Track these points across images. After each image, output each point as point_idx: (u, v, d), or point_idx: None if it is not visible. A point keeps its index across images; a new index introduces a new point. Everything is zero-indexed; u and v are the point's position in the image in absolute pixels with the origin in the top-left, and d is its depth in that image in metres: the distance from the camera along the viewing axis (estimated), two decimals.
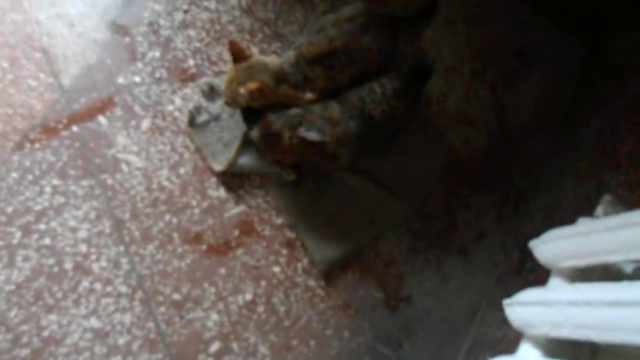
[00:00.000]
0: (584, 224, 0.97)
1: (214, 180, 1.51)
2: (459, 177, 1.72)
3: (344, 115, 1.42)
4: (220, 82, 1.57)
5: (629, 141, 1.44)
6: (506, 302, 1.03)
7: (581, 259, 0.93)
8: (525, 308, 0.97)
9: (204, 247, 1.46)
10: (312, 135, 1.37)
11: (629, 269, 0.99)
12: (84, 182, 1.42)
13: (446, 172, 1.71)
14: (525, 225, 1.68)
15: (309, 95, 1.44)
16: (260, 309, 1.46)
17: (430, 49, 1.79)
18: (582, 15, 1.90)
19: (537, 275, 1.37)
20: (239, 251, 1.48)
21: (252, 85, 1.33)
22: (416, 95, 1.59)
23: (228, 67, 1.43)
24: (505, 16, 1.93)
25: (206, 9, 1.64)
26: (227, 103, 1.42)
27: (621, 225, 0.85)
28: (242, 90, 1.35)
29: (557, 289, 0.96)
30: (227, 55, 1.61)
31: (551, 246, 1.01)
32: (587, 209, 1.36)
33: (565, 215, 1.51)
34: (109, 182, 1.44)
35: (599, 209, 1.10)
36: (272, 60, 1.42)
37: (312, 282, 1.51)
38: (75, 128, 1.45)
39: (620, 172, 1.40)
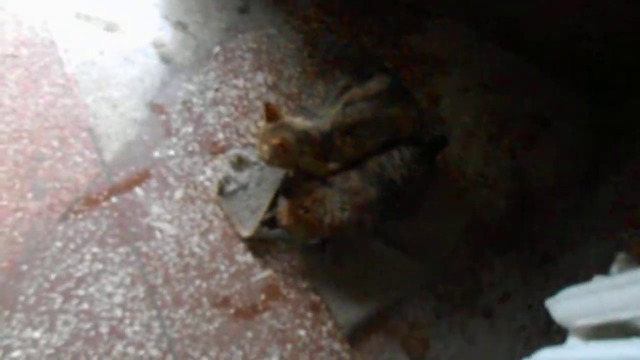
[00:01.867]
0: (595, 282, 0.99)
1: (241, 246, 1.59)
2: (481, 239, 1.75)
3: (364, 183, 1.49)
4: (249, 154, 1.69)
5: None
6: None
7: (593, 317, 0.95)
8: None
9: (232, 310, 1.52)
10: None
11: None
12: (121, 250, 1.52)
13: (469, 234, 1.74)
14: (551, 286, 1.67)
15: (332, 165, 1.53)
16: None
17: (448, 115, 1.87)
18: (595, 80, 1.96)
19: (564, 336, 1.36)
20: (266, 315, 1.53)
21: (275, 141, 1.42)
22: (432, 159, 1.65)
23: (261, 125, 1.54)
24: (520, 81, 2.02)
25: (235, 87, 1.79)
26: (260, 158, 1.53)
27: (629, 282, 0.87)
28: (265, 147, 1.46)
29: (572, 347, 0.97)
30: (254, 129, 1.73)
31: (565, 305, 1.03)
32: (608, 268, 1.37)
33: (588, 274, 1.51)
34: (144, 249, 1.53)
35: (614, 267, 1.11)
36: (300, 122, 1.52)
37: (337, 346, 1.53)
38: (114, 199, 1.57)
39: (637, 231, 1.41)
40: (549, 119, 1.96)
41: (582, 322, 0.99)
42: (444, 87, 1.94)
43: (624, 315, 0.88)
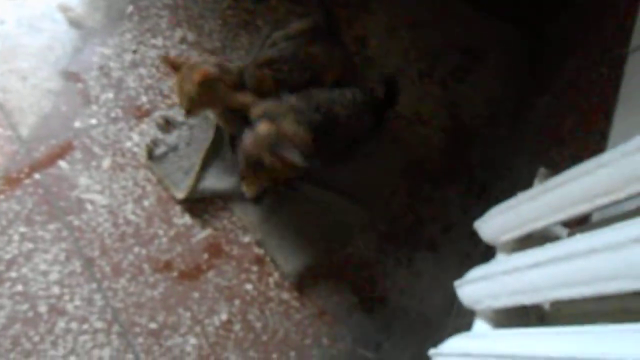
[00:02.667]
0: (516, 198, 1.01)
1: (178, 208, 1.55)
2: (420, 175, 1.77)
3: (309, 107, 1.41)
4: (175, 114, 1.63)
5: (570, 118, 1.50)
6: (456, 283, 1.06)
7: (515, 230, 0.97)
8: (471, 286, 1.01)
9: (175, 274, 1.49)
10: (295, 157, 1.32)
11: (564, 233, 1.03)
12: (51, 226, 1.46)
13: (406, 172, 1.76)
14: None
15: (248, 98, 1.46)
16: (237, 327, 1.48)
17: (377, 57, 1.85)
18: (519, 6, 1.97)
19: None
20: (210, 273, 1.51)
21: (196, 76, 1.32)
22: (383, 114, 1.63)
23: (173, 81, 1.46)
24: (448, 16, 2.01)
25: (154, 46, 1.71)
26: (188, 112, 1.41)
27: (542, 192, 0.89)
28: (189, 86, 1.35)
29: (498, 262, 1.00)
30: None
31: (491, 223, 1.05)
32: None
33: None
34: (76, 223, 1.48)
35: (536, 182, 1.14)
36: (210, 59, 1.46)
37: (285, 295, 1.54)
38: (37, 176, 1.50)
39: (564, 147, 1.45)
40: (479, 51, 1.97)
41: (505, 237, 1.01)
42: (370, 28, 1.92)
43: (540, 224, 0.91)
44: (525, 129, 1.79)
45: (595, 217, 1.09)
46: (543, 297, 0.79)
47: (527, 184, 1.57)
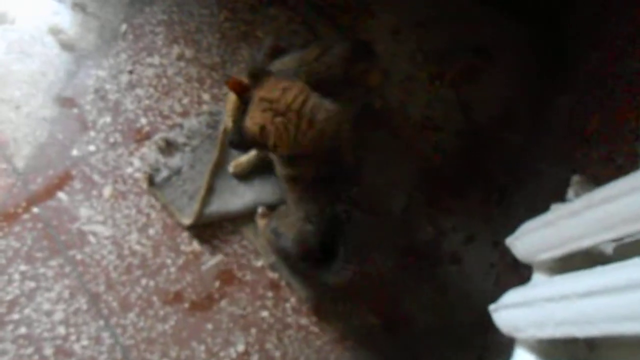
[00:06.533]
0: (553, 212, 0.92)
1: (185, 235, 1.47)
2: (437, 184, 1.68)
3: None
4: (177, 135, 1.55)
5: (595, 117, 1.40)
6: (491, 307, 0.97)
7: (555, 249, 0.88)
8: (509, 311, 0.92)
9: (186, 305, 1.41)
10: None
11: (609, 249, 0.94)
12: (53, 262, 1.39)
13: (422, 181, 1.67)
14: (513, 220, 1.63)
15: None
16: (255, 358, 1.40)
17: (384, 61, 1.76)
18: (528, 3, 1.88)
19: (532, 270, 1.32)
20: (223, 302, 1.43)
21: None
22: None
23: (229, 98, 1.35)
24: (455, 15, 1.93)
25: (150, 65, 1.63)
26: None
27: (586, 207, 0.80)
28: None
29: (537, 285, 0.91)
30: (178, 107, 1.59)
31: (525, 241, 0.96)
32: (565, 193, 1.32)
33: (546, 203, 1.46)
34: (78, 257, 1.40)
35: (570, 192, 1.05)
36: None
37: (303, 320, 1.45)
38: (35, 209, 1.42)
39: (591, 148, 1.36)
40: (490, 50, 1.88)
41: (544, 256, 0.92)
42: (374, 32, 1.83)
43: (585, 244, 0.81)
44: (546, 130, 1.70)
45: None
46: (599, 330, 0.70)
47: (553, 190, 1.48)
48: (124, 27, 1.67)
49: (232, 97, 1.35)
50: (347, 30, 1.81)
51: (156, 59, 1.65)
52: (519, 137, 1.77)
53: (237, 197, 1.51)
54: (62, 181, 1.46)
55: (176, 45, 1.68)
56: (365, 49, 1.56)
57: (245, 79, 1.32)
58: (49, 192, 1.45)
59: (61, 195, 1.45)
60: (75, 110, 1.54)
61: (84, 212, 1.45)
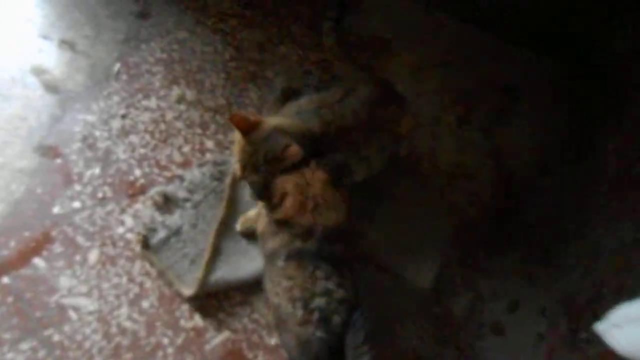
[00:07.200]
0: None
1: (186, 307, 1.24)
2: (472, 240, 1.48)
3: None
4: (176, 189, 1.34)
5: None
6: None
7: None
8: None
9: None
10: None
11: None
12: (24, 345, 1.15)
13: (456, 237, 1.46)
14: (562, 282, 1.42)
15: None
16: None
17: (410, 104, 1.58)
18: (558, 36, 1.73)
19: (597, 347, 1.10)
20: None
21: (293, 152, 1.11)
22: None
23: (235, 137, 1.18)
24: (481, 53, 1.77)
25: (147, 109, 1.44)
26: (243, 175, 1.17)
27: None
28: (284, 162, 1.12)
29: None
30: (177, 156, 1.39)
31: (631, 331, 0.75)
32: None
33: (610, 265, 1.26)
34: (56, 337, 1.16)
35: None
36: (287, 121, 1.20)
37: None
38: (5, 279, 1.19)
39: None
40: (520, 89, 1.71)
41: None
42: (395, 71, 1.66)
43: None
44: (589, 176, 1.51)
45: None
46: None
47: (616, 249, 1.28)
48: (117, 66, 1.48)
49: (237, 137, 1.15)
50: (365, 69, 1.64)
51: (153, 102, 1.46)
52: (557, 185, 1.59)
53: (247, 261, 1.29)
54: (40, 244, 1.24)
55: (176, 86, 1.49)
56: (393, 90, 1.38)
57: (251, 115, 1.13)
58: (23, 257, 1.22)
59: (37, 261, 1.22)
60: (58, 161, 1.33)
61: (64, 282, 1.22)
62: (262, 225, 1.19)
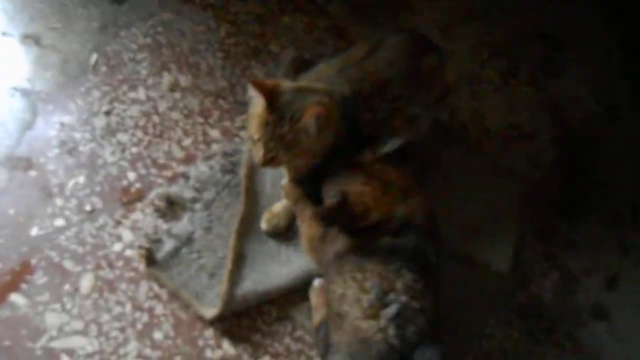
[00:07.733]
0: None
1: (210, 333, 0.98)
2: (545, 210, 1.23)
3: None
4: (181, 189, 1.09)
5: None
6: None
7: None
8: None
9: None
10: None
11: None
12: None
13: (526, 208, 1.22)
14: None
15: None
16: None
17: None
18: None
19: None
20: None
21: (314, 109, 0.88)
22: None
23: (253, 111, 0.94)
24: (510, 4, 1.54)
25: (134, 101, 1.20)
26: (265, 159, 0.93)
27: None
28: (303, 123, 0.89)
29: None
30: (178, 151, 1.14)
31: None
32: None
33: None
34: None
35: None
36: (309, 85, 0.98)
37: None
38: None
39: None
40: (565, 37, 1.49)
41: None
42: (420, 30, 1.42)
43: None
44: None
45: None
46: None
47: None
48: (94, 57, 1.24)
49: (257, 111, 0.90)
50: (379, 28, 1.41)
51: (141, 93, 1.22)
52: (630, 132, 1.35)
53: (279, 266, 1.04)
54: (17, 277, 0.98)
55: (166, 73, 1.26)
56: (427, 39, 1.14)
57: (274, 80, 0.90)
58: None
59: (16, 298, 0.96)
60: (32, 173, 1.08)
61: (52, 319, 0.95)
62: (311, 228, 0.96)
